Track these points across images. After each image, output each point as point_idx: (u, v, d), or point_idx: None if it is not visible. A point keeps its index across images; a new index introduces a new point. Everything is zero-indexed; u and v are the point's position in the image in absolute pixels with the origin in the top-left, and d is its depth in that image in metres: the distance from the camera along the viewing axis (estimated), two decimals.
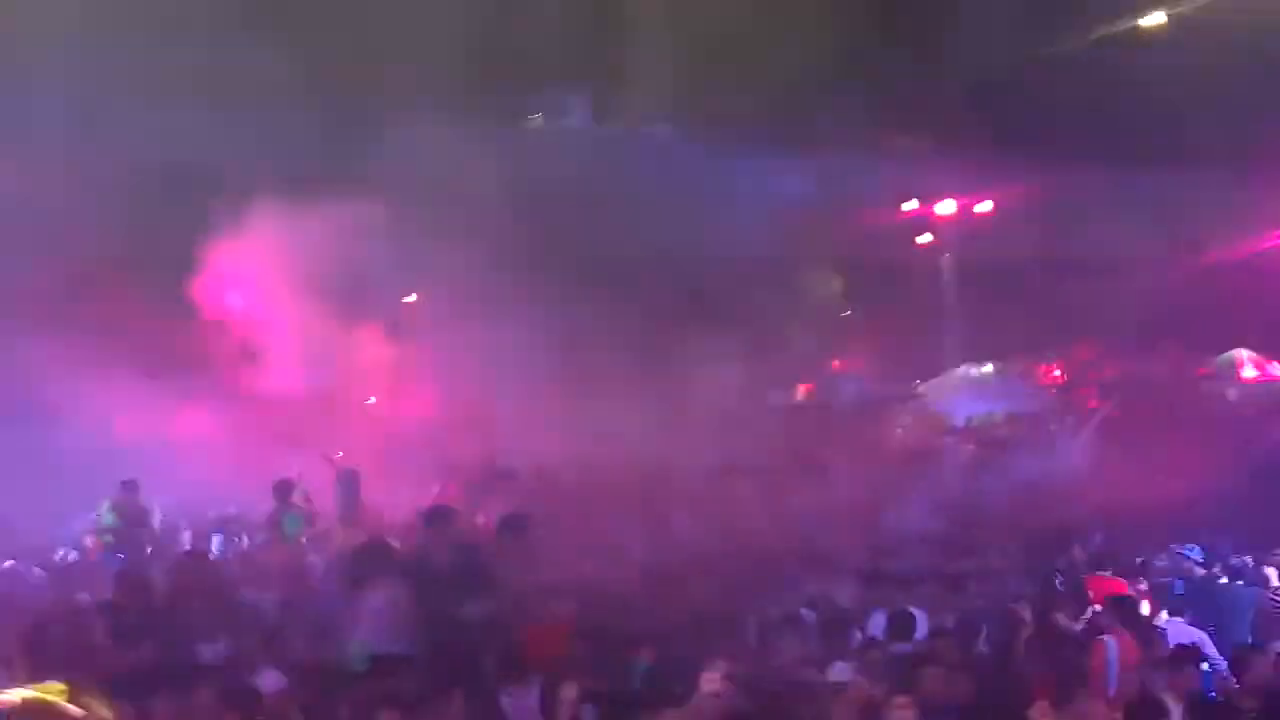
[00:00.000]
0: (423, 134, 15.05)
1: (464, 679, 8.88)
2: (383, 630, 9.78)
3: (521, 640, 9.61)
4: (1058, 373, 23.69)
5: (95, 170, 14.05)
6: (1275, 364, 21.35)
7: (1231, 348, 21.39)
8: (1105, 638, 9.24)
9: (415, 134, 15.09)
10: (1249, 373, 21.12)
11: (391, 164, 15.02)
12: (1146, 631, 9.63)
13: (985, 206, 25.18)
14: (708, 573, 11.51)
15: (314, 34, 15.64)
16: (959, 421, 18.54)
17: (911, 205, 25.84)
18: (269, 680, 8.22)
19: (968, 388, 20.98)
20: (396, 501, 11.90)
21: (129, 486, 13.21)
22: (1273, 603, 11.13)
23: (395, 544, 10.67)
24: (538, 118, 17.66)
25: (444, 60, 15.87)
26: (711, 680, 8.10)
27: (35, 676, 6.14)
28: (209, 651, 9.17)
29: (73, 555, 10.55)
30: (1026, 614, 9.98)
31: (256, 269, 15.31)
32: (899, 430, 18.35)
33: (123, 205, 14.59)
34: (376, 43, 16.15)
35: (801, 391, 22.76)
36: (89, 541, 12.57)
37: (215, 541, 12.08)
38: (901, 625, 10.16)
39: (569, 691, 8.49)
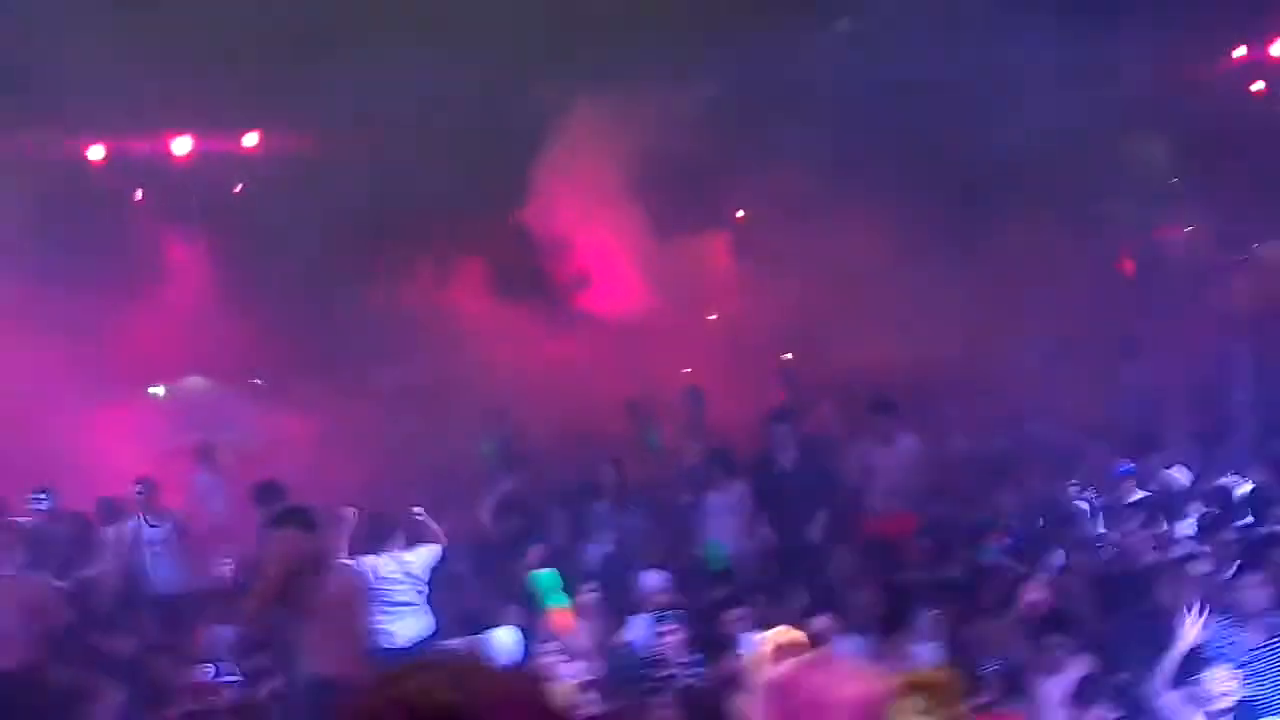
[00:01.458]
0: (741, 40, 15.10)
1: (812, 572, 9.64)
2: (731, 530, 10.65)
3: (870, 533, 10.25)
4: None
5: (429, 109, 14.76)
6: None
7: None
8: None
9: (736, 40, 15.15)
10: None
11: (717, 70, 15.22)
12: None
13: None
14: (1043, 459, 11.77)
15: None
16: None
17: (1240, 52, 24.26)
18: (651, 580, 9.29)
19: None
20: (740, 413, 12.58)
21: (495, 415, 13.84)
22: None
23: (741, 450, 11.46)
24: (844, 20, 17.58)
25: None
26: (1034, 590, 8.42)
27: None
28: (594, 552, 10.42)
29: None
30: None
31: (585, 184, 15.74)
32: (1235, 297, 17.57)
33: (458, 140, 15.26)
34: None
35: (1126, 266, 22.05)
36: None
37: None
38: (1250, 503, 10.17)
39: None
